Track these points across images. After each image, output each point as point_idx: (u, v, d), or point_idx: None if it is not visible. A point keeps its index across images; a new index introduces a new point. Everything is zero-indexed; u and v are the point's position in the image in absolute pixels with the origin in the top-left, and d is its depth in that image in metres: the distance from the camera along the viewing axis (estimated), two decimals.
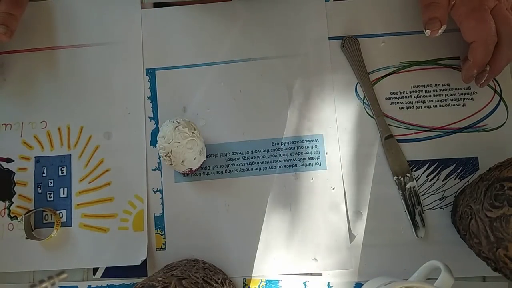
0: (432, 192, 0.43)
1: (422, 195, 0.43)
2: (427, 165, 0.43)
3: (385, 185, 0.43)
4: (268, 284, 0.42)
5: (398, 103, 0.44)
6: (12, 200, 0.44)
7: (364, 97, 0.44)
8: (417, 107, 0.44)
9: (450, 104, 0.44)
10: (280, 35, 0.46)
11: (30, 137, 0.45)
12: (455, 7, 0.40)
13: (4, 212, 0.44)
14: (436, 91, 0.44)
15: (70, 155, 0.44)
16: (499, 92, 0.44)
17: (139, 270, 0.43)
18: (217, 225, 0.43)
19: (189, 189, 0.44)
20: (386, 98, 0.44)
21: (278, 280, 0.42)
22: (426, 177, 0.43)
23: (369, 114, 0.44)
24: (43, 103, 0.45)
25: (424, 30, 0.40)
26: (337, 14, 0.46)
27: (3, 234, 0.43)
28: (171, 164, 0.38)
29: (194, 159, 0.39)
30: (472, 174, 0.43)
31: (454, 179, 0.43)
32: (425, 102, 0.44)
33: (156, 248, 0.43)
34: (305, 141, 0.44)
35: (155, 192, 0.44)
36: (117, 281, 0.43)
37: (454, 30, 0.42)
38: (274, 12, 0.46)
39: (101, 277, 0.43)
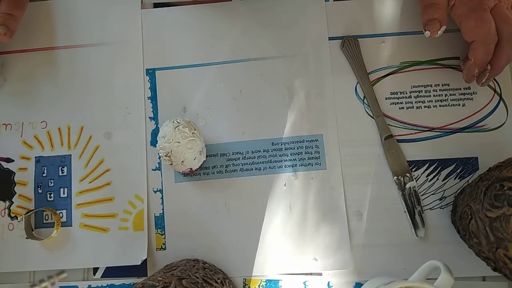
0: (432, 192, 0.43)
1: (422, 195, 0.43)
2: (427, 165, 0.43)
3: (385, 185, 0.43)
4: (268, 284, 0.42)
5: (398, 103, 0.44)
6: (13, 200, 0.44)
7: (364, 97, 0.44)
8: (417, 107, 0.44)
9: (450, 104, 0.44)
10: (280, 35, 0.46)
11: (30, 137, 0.45)
12: (455, 7, 0.40)
13: (4, 212, 0.44)
14: (436, 91, 0.44)
15: (70, 155, 0.45)
16: (499, 92, 0.44)
17: (139, 270, 0.43)
18: (217, 225, 0.43)
19: (189, 189, 0.44)
20: (386, 98, 0.44)
21: (278, 280, 0.42)
22: (426, 177, 0.43)
23: (369, 114, 0.44)
24: (43, 103, 0.45)
25: (423, 31, 0.41)
26: (337, 14, 0.46)
27: (3, 234, 0.43)
28: (171, 164, 0.38)
29: (194, 159, 0.39)
30: (472, 174, 0.43)
31: (454, 179, 0.43)
32: (425, 102, 0.44)
33: (156, 248, 0.43)
34: (305, 141, 0.44)
35: (155, 192, 0.44)
36: (117, 281, 0.43)
37: (454, 30, 0.42)
38: (274, 12, 0.46)
39: (101, 277, 0.43)
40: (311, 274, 0.42)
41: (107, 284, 0.43)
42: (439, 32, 0.40)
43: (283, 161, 0.44)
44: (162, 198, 0.44)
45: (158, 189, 0.44)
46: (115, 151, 0.44)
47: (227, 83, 0.45)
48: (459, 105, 0.44)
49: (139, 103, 0.45)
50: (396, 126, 0.44)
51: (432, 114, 0.44)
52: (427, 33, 0.40)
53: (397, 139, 0.43)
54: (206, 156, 0.43)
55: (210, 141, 0.44)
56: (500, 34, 0.39)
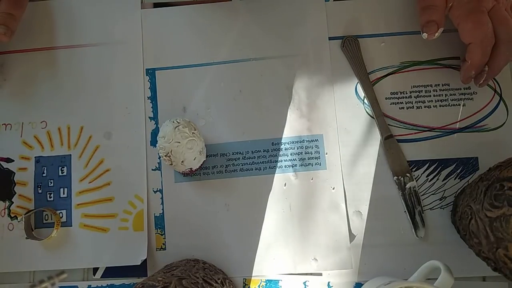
0: (432, 192, 0.43)
1: (422, 195, 0.43)
2: (427, 165, 0.43)
3: (385, 185, 0.43)
4: (268, 284, 0.42)
5: (398, 103, 0.44)
6: (12, 200, 0.44)
7: (364, 97, 0.44)
8: (417, 107, 0.44)
9: (450, 104, 0.44)
10: (280, 35, 0.46)
11: (30, 137, 0.45)
12: (453, 8, 0.40)
13: (4, 212, 0.44)
14: (436, 91, 0.44)
15: (70, 155, 0.44)
16: (499, 92, 0.44)
17: (139, 270, 0.43)
18: (217, 225, 0.43)
19: (189, 189, 0.44)
20: (386, 98, 0.44)
21: (278, 280, 0.42)
22: (426, 177, 0.43)
23: (369, 114, 0.44)
24: (43, 103, 0.45)
25: (421, 33, 0.40)
26: (337, 14, 0.46)
27: (3, 234, 0.43)
28: (171, 164, 0.38)
29: (194, 159, 0.39)
30: (472, 174, 0.43)
31: (454, 179, 0.43)
32: (425, 102, 0.44)
33: (156, 248, 0.43)
34: (305, 141, 0.44)
35: (155, 192, 0.44)
36: (117, 281, 0.43)
37: (454, 30, 0.42)
38: (274, 12, 0.46)
39: (101, 277, 0.43)
40: (311, 274, 0.42)
41: (107, 284, 0.43)
42: (437, 34, 0.40)
43: (283, 161, 0.44)
44: (162, 198, 0.44)
45: (158, 189, 0.44)
46: (115, 151, 0.44)
47: (227, 83, 0.45)
48: (459, 105, 0.44)
49: (139, 103, 0.45)
50: (396, 126, 0.44)
51: (432, 114, 0.44)
52: (425, 35, 0.40)
53: (397, 139, 0.43)
54: (206, 156, 0.43)
55: (210, 141, 0.44)
56: (497, 36, 0.39)
